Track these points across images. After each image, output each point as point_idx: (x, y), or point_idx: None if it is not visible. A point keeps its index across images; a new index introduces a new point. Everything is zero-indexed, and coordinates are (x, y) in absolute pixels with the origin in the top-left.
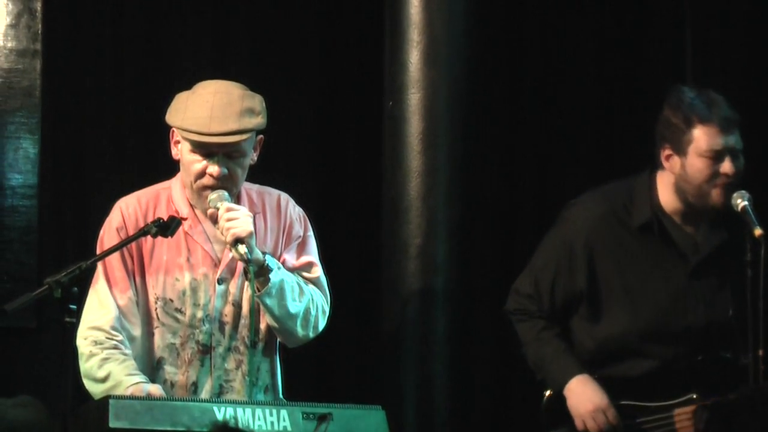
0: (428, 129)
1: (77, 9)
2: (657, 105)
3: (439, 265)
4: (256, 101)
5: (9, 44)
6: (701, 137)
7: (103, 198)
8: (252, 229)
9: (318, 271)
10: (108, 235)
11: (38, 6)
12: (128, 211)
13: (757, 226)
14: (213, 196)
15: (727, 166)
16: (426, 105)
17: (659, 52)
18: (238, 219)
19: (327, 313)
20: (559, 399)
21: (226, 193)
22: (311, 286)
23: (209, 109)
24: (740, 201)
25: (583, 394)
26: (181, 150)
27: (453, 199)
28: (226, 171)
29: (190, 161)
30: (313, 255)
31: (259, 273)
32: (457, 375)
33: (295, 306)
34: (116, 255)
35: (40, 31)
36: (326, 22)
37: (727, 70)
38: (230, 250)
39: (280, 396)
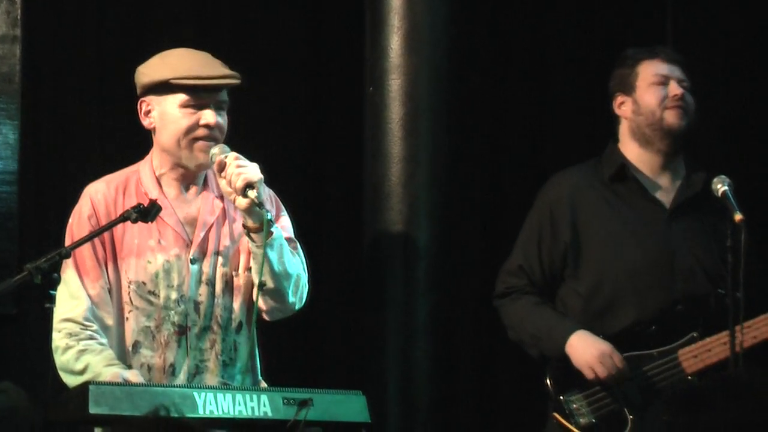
0: (409, 115)
1: None
2: None
3: (420, 252)
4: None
5: None
6: (647, 68)
7: (84, 184)
8: (262, 176)
9: (298, 247)
10: (78, 222)
11: None
12: (97, 197)
13: (737, 211)
14: (215, 149)
15: (674, 88)
16: (407, 91)
17: (643, 38)
18: (247, 166)
19: (307, 288)
20: (563, 365)
21: (227, 146)
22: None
23: (197, 59)
24: (720, 186)
25: (586, 344)
26: (164, 112)
27: (434, 185)
28: (218, 121)
29: (180, 116)
30: (290, 233)
31: (260, 228)
32: (439, 361)
33: (291, 266)
34: (86, 244)
35: (19, 17)
36: (307, 6)
37: (709, 59)
38: (238, 198)
39: (260, 377)
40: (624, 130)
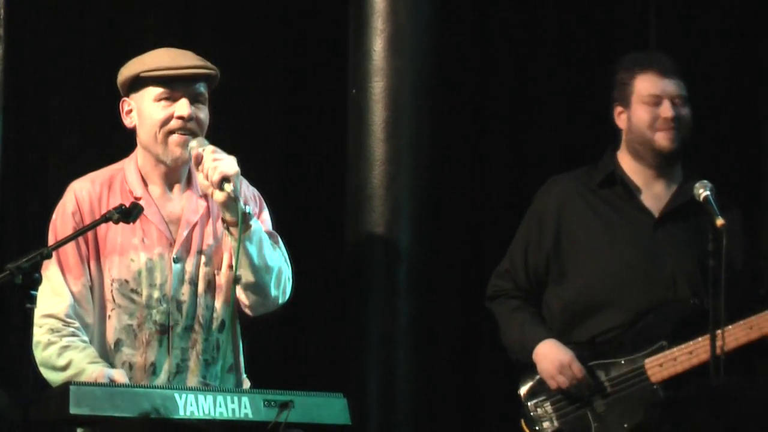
0: (392, 117)
1: None
2: None
3: (402, 254)
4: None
5: None
6: (641, 84)
7: (66, 184)
8: (238, 169)
9: (279, 242)
10: (62, 219)
11: None
12: (82, 194)
13: (718, 216)
14: (193, 143)
15: (666, 110)
16: (390, 93)
17: (626, 42)
18: (224, 159)
19: (291, 283)
20: (534, 371)
21: (205, 139)
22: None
23: (170, 53)
24: (702, 191)
25: (549, 354)
26: (141, 108)
27: (417, 187)
28: (193, 113)
29: (155, 110)
30: (271, 229)
31: (241, 219)
32: (420, 364)
33: (272, 259)
34: (70, 242)
35: (2, 17)
36: (291, 8)
37: (690, 61)
38: (215, 192)
39: (244, 375)
40: (622, 145)
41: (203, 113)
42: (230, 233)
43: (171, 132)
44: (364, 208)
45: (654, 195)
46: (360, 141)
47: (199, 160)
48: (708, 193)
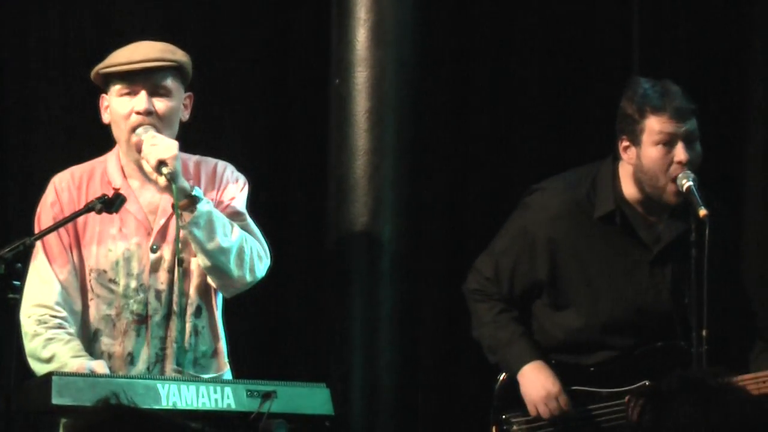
0: (375, 108)
1: None
2: (604, 90)
3: (385, 245)
4: (180, 51)
5: None
6: (654, 126)
7: (49, 175)
8: (176, 152)
9: (247, 219)
10: (43, 211)
11: None
12: (61, 185)
13: (701, 206)
14: (139, 130)
15: (680, 154)
16: (373, 84)
17: (608, 35)
18: (160, 144)
19: (264, 260)
20: (513, 383)
21: (151, 128)
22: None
23: (132, 48)
24: (685, 181)
25: (536, 380)
26: (110, 103)
27: (399, 178)
28: (151, 108)
29: (118, 105)
30: (240, 207)
31: (186, 204)
32: (403, 354)
33: (226, 240)
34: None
35: None
36: None
37: (674, 60)
38: (159, 177)
39: (226, 360)
40: (626, 168)
41: (165, 105)
42: (178, 215)
43: (133, 128)
44: (347, 198)
45: (649, 225)
46: (343, 131)
47: (139, 147)
48: (691, 183)
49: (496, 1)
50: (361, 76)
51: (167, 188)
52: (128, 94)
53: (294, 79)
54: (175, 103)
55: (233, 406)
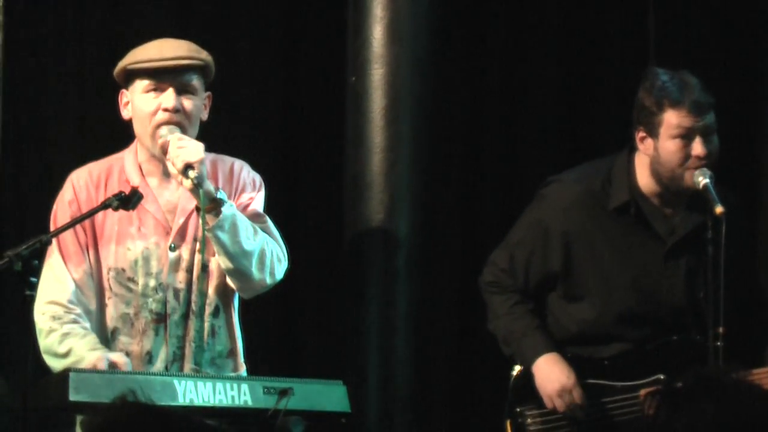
0: (391, 104)
1: None
2: (620, 83)
3: (401, 241)
4: (203, 51)
5: None
6: (672, 120)
7: (64, 172)
8: (203, 156)
9: (267, 221)
10: (60, 208)
11: None
12: (79, 183)
13: (718, 203)
14: (164, 130)
15: (698, 148)
16: (389, 80)
17: (624, 32)
18: (188, 146)
19: (283, 263)
20: (528, 375)
21: (177, 128)
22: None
23: (159, 44)
24: (702, 179)
25: (551, 373)
26: (133, 100)
27: (415, 174)
28: (179, 105)
29: (143, 102)
30: (260, 209)
31: (210, 207)
32: (419, 350)
33: (249, 243)
34: (69, 229)
35: (1, 4)
36: None
37: (690, 53)
38: (183, 180)
39: (242, 360)
40: (643, 160)
41: (192, 103)
42: (203, 218)
43: (159, 125)
44: (363, 195)
45: (665, 217)
46: (359, 128)
47: (165, 149)
48: (707, 180)
49: (515, 1)
50: (377, 74)
51: (193, 191)
52: (155, 90)
53: (310, 77)
54: (199, 102)
55: (250, 403)
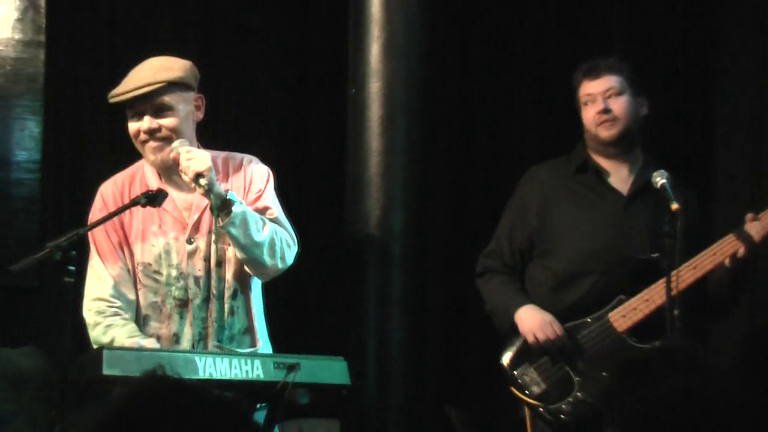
0: (387, 114)
1: (77, 4)
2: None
3: (396, 235)
4: (178, 63)
5: (16, 36)
6: (581, 89)
7: (98, 172)
8: (210, 164)
9: (276, 212)
10: (93, 217)
11: (42, 2)
12: (107, 192)
13: (673, 201)
14: (175, 144)
15: (597, 105)
16: (385, 93)
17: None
18: (196, 158)
19: (293, 248)
20: (516, 357)
21: (186, 140)
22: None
23: (132, 75)
24: (659, 179)
25: (531, 315)
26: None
27: (408, 176)
28: (154, 125)
29: (130, 127)
30: (269, 202)
31: (222, 206)
32: (412, 330)
33: (259, 235)
34: (102, 232)
35: (43, 25)
36: (299, 18)
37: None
38: (194, 186)
39: (258, 335)
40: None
41: (171, 119)
42: (216, 218)
43: (144, 142)
44: (362, 194)
45: (620, 178)
46: (358, 135)
47: (177, 161)
48: (664, 181)
49: (493, 20)
50: (374, 87)
51: (205, 195)
52: (135, 116)
53: (316, 90)
54: (180, 114)
55: (262, 377)
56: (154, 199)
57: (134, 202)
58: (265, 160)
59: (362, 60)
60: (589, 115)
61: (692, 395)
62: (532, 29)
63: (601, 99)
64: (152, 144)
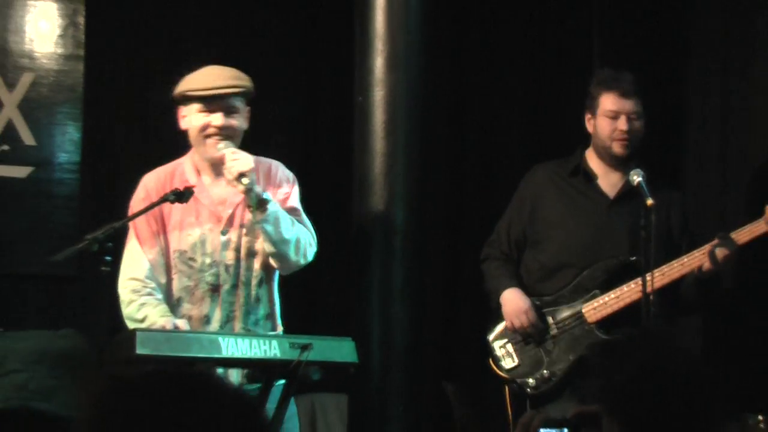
0: (389, 119)
1: (113, 22)
2: (570, 96)
3: (398, 229)
4: (245, 75)
5: (58, 50)
6: (605, 100)
7: (131, 172)
8: (253, 165)
9: (301, 213)
10: (135, 205)
11: (81, 20)
12: (150, 184)
13: (648, 197)
14: (221, 145)
15: (622, 124)
16: (388, 100)
17: (572, 62)
18: (240, 158)
19: (313, 247)
20: (499, 335)
21: (231, 142)
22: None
23: (211, 74)
24: (636, 177)
25: (511, 301)
26: (189, 117)
27: (409, 175)
28: (225, 123)
29: (197, 119)
30: (296, 204)
31: (258, 204)
32: (412, 314)
33: (288, 233)
34: (143, 219)
35: (83, 40)
36: (309, 33)
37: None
38: (236, 184)
39: (278, 321)
40: (591, 144)
41: (236, 121)
42: (253, 215)
43: (207, 136)
44: (367, 191)
45: (610, 183)
46: (364, 138)
47: (222, 160)
48: (641, 179)
49: (485, 35)
50: (378, 95)
51: (245, 194)
52: (206, 111)
53: (325, 98)
54: (242, 119)
55: (278, 356)
56: (182, 195)
57: (164, 199)
58: (280, 160)
59: (367, 71)
60: (609, 128)
61: (660, 367)
62: (523, 41)
63: (626, 119)
64: (217, 139)
